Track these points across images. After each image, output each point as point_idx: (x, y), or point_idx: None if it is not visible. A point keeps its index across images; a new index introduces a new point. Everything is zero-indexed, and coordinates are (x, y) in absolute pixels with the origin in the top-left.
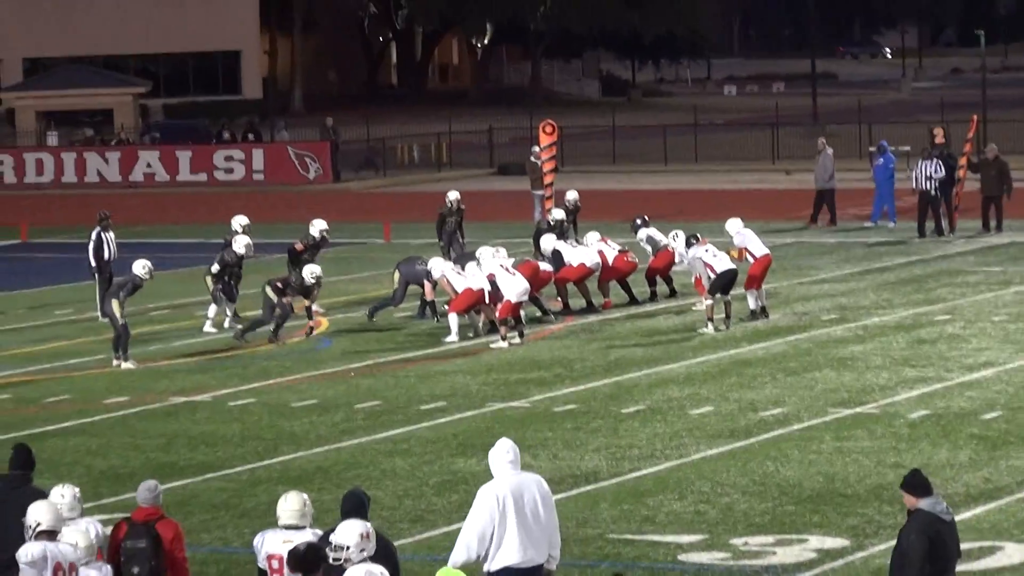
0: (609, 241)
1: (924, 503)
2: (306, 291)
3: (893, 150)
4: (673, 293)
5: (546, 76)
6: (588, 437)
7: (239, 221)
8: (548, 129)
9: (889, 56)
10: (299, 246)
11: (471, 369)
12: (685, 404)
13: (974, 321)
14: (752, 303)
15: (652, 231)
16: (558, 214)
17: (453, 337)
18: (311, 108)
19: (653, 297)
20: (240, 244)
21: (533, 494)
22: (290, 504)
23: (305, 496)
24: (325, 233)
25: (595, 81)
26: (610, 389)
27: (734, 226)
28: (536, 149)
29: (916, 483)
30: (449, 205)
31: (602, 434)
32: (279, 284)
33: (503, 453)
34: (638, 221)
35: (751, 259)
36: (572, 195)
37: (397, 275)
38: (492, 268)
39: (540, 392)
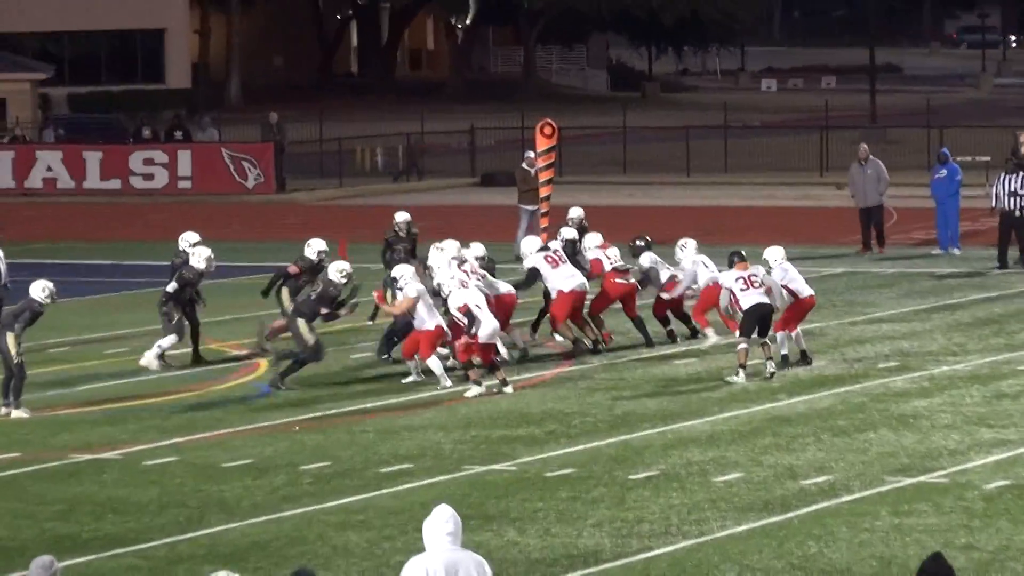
0: (611, 251)
1: None
2: (333, 299)
3: (967, 160)
4: (694, 334)
5: (542, 65)
6: (588, 509)
7: (188, 239)
8: (547, 130)
9: (1014, 45)
10: (293, 268)
11: (444, 424)
12: (708, 469)
13: None
14: (783, 347)
15: (655, 257)
16: (569, 233)
17: (413, 376)
18: (252, 101)
19: (671, 337)
20: (200, 258)
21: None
22: None
23: None
24: (324, 255)
25: (603, 72)
26: (616, 450)
27: (775, 256)
28: (531, 155)
29: (940, 572)
30: (396, 229)
31: (605, 505)
32: (320, 310)
33: (441, 523)
34: (639, 243)
35: (789, 299)
36: (577, 212)
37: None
38: (452, 283)
39: (529, 453)
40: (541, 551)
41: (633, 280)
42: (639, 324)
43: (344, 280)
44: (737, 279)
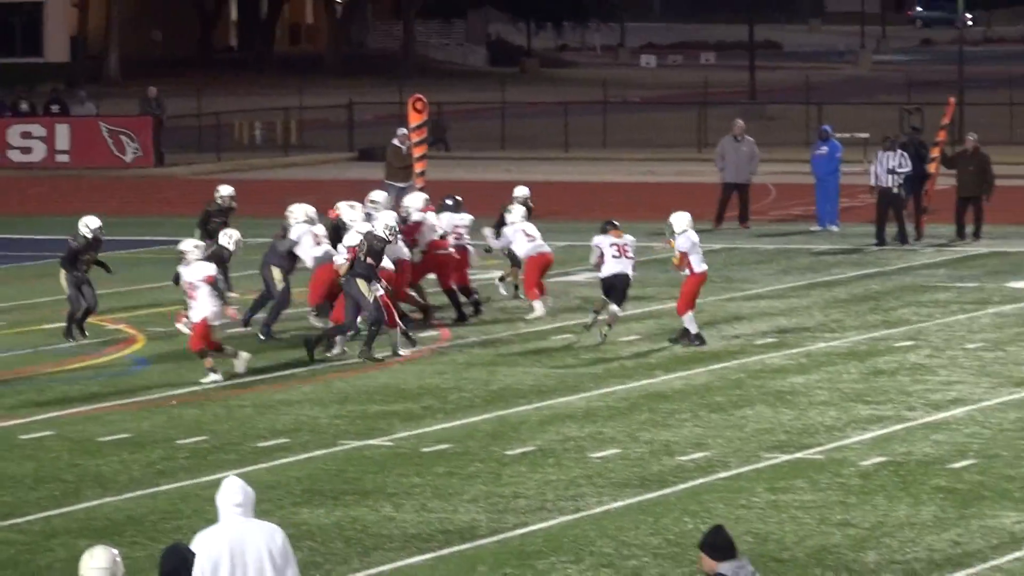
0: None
1: (725, 568)
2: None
3: (846, 137)
4: (477, 309)
5: (421, 40)
6: (464, 484)
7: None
8: (419, 105)
9: (970, 23)
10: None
11: (321, 398)
12: (584, 445)
13: (943, 349)
14: (692, 327)
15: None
16: (519, 211)
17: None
18: (130, 75)
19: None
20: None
21: (259, 551)
22: (96, 562)
23: (115, 552)
24: (100, 232)
25: (482, 48)
26: (492, 426)
27: (682, 223)
28: (403, 131)
29: (717, 543)
30: (219, 202)
31: (481, 481)
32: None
33: (229, 495)
34: (448, 202)
35: (687, 271)
36: (522, 191)
37: (276, 272)
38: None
39: (406, 428)
40: (417, 526)
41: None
42: (452, 296)
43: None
44: (611, 244)
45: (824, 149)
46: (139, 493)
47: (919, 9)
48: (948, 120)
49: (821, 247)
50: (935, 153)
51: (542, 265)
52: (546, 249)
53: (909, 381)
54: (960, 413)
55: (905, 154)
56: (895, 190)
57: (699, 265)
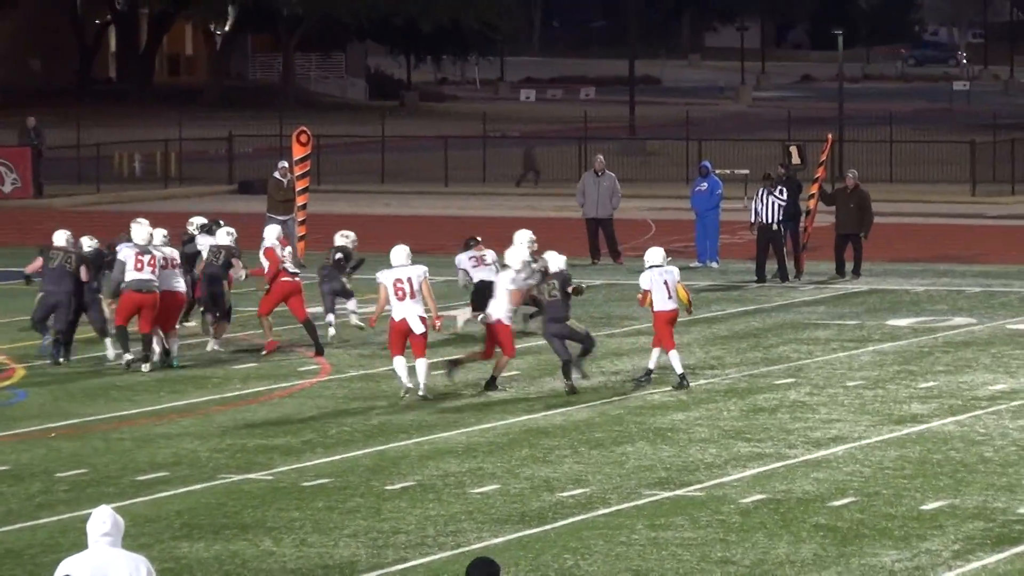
0: (287, 250)
1: None
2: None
3: (726, 173)
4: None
5: (301, 73)
6: (344, 519)
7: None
8: (303, 138)
9: (965, 61)
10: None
11: (200, 432)
12: (465, 481)
13: (823, 387)
14: (677, 365)
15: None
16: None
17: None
18: (8, 105)
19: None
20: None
21: None
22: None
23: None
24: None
25: (361, 81)
26: (372, 460)
27: (657, 257)
28: (284, 164)
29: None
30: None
31: (361, 515)
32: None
33: (97, 523)
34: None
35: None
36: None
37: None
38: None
39: (285, 463)
40: (297, 561)
41: (298, 279)
42: (309, 327)
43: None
44: (470, 258)
45: (704, 185)
46: (18, 526)
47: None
48: (826, 156)
49: (701, 283)
50: (813, 190)
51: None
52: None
53: (789, 419)
54: (840, 451)
55: (784, 189)
56: (775, 227)
57: (661, 303)
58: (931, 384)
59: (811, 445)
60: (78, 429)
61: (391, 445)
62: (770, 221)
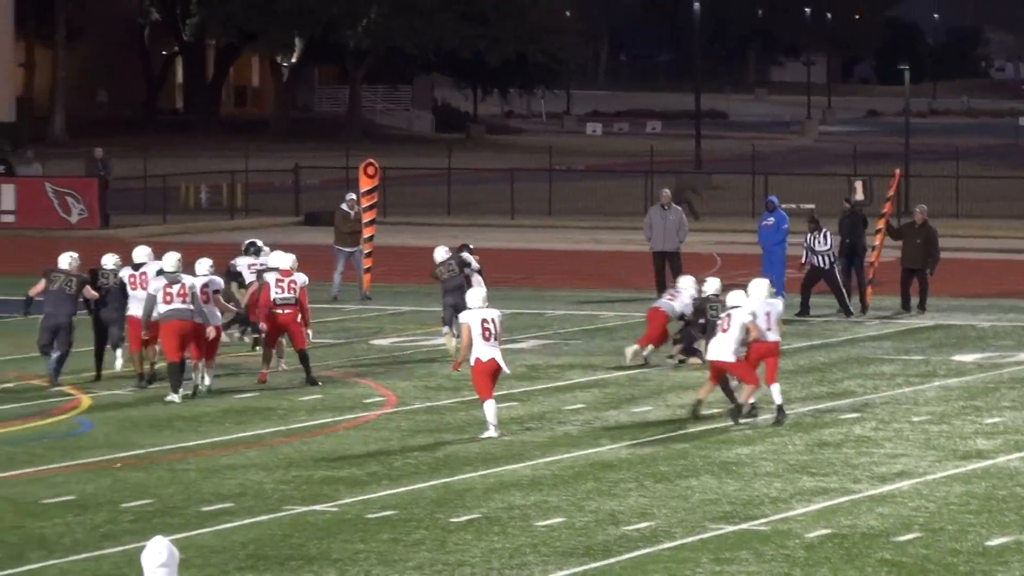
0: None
1: None
2: None
3: (792, 208)
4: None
5: (367, 105)
6: (409, 551)
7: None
8: (370, 170)
9: None
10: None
11: (266, 463)
12: (530, 514)
13: (888, 422)
14: (777, 397)
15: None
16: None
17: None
18: (76, 135)
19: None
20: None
21: None
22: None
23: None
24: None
25: (428, 113)
26: (437, 492)
27: (762, 290)
28: (351, 196)
29: None
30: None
31: (426, 548)
32: None
33: (154, 555)
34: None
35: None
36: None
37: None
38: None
39: (351, 494)
40: None
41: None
42: (303, 359)
43: None
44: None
45: (771, 220)
46: (83, 556)
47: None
48: (893, 192)
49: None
50: (880, 225)
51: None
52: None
53: (854, 453)
54: (905, 486)
55: (826, 231)
56: (826, 268)
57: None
58: (997, 420)
59: (876, 480)
60: (144, 459)
61: (456, 477)
62: (820, 264)
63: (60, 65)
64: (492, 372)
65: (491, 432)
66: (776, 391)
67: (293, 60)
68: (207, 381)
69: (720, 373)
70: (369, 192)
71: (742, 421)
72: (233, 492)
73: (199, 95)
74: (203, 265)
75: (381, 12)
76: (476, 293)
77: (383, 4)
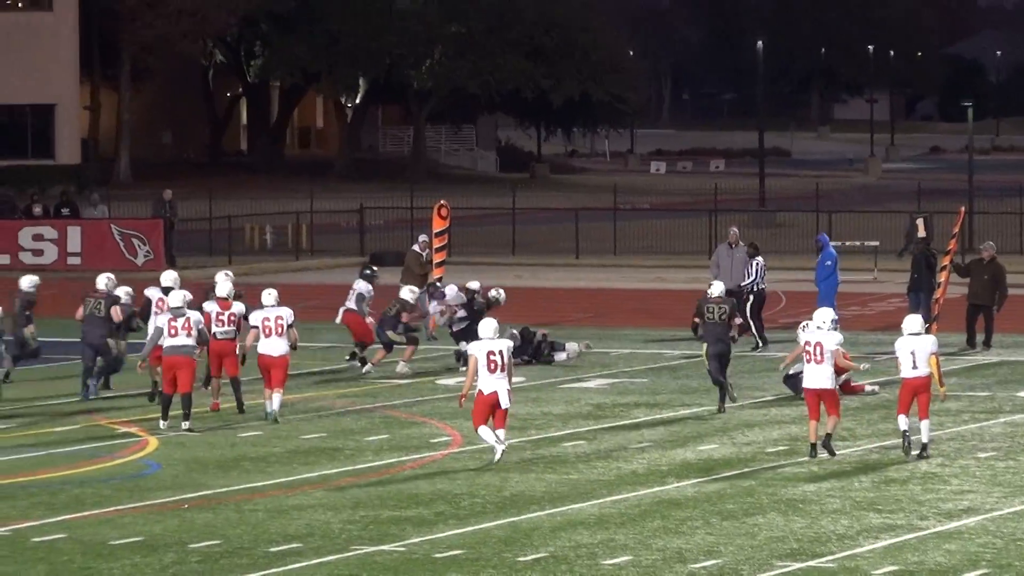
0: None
1: None
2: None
3: (856, 245)
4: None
5: (431, 145)
6: None
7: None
8: (443, 212)
9: None
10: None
11: (333, 503)
12: (597, 552)
13: (955, 458)
14: (925, 435)
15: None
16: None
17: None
18: (141, 177)
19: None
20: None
21: None
22: None
23: None
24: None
25: (492, 153)
26: (505, 532)
27: (913, 326)
28: (424, 238)
29: None
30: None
31: None
32: None
33: None
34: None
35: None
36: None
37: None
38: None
39: (419, 534)
40: None
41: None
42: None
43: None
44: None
45: (820, 257)
46: None
47: None
48: (958, 229)
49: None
50: (945, 262)
51: None
52: None
53: (921, 490)
54: (972, 523)
55: (757, 260)
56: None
57: (907, 371)
58: None
59: (943, 516)
60: (211, 500)
61: (523, 516)
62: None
63: (125, 107)
64: (492, 404)
65: (498, 449)
66: (925, 428)
67: (357, 101)
68: (275, 407)
69: (819, 402)
70: (441, 233)
71: (822, 454)
72: (301, 532)
73: (263, 136)
74: (269, 297)
75: (445, 53)
76: (488, 324)
77: (447, 45)
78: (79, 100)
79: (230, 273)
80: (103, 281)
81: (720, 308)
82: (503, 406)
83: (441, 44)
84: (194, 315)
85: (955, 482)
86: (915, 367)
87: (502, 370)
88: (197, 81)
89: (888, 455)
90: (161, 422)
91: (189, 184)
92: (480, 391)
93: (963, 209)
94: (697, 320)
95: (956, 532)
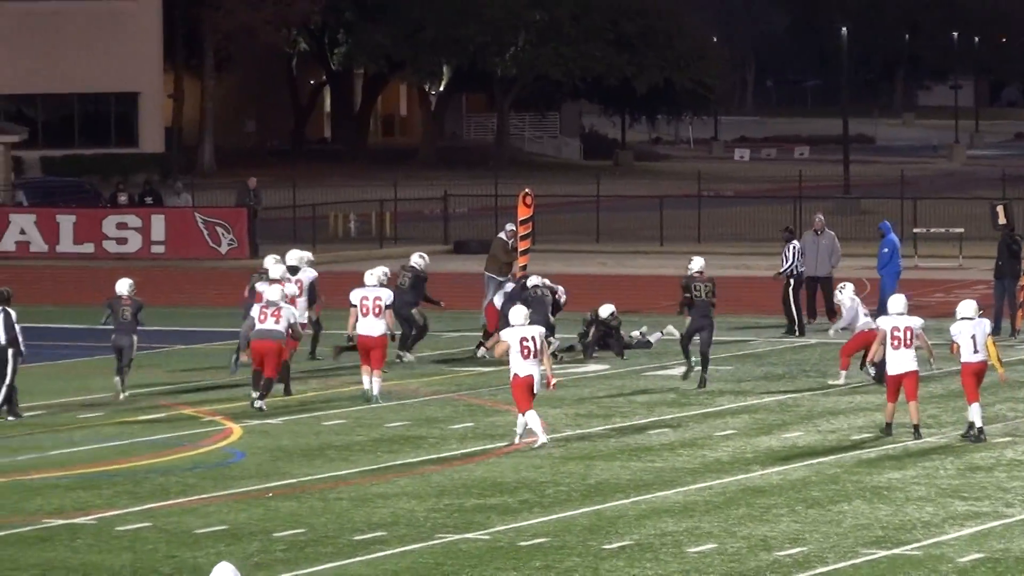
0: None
1: None
2: None
3: (941, 232)
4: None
5: (515, 133)
6: None
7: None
8: (528, 200)
9: None
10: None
11: (418, 492)
12: (682, 540)
13: None
14: (977, 419)
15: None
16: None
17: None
18: (224, 165)
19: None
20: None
21: None
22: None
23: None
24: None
25: (576, 140)
26: (589, 520)
27: (968, 310)
28: (511, 227)
29: None
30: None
31: (579, 575)
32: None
33: None
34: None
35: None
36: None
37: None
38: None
39: (503, 522)
40: None
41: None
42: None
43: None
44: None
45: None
46: None
47: None
48: None
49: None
50: None
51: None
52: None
53: (1006, 477)
54: None
55: (794, 243)
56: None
57: (967, 355)
58: None
59: None
60: (295, 489)
61: (608, 504)
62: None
63: (208, 96)
64: (529, 387)
65: (541, 439)
66: (975, 411)
67: (440, 89)
68: (376, 390)
69: (899, 387)
70: (525, 221)
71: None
72: (385, 521)
73: (347, 124)
74: (371, 277)
75: (528, 40)
76: (519, 311)
77: (530, 32)
78: (163, 89)
79: (278, 257)
80: (124, 287)
81: (706, 286)
82: (538, 390)
83: (524, 31)
84: (287, 308)
85: None
86: (976, 351)
87: (535, 356)
88: (280, 69)
89: (974, 443)
90: (253, 392)
91: (273, 172)
92: (516, 375)
93: None
94: (686, 295)
95: None
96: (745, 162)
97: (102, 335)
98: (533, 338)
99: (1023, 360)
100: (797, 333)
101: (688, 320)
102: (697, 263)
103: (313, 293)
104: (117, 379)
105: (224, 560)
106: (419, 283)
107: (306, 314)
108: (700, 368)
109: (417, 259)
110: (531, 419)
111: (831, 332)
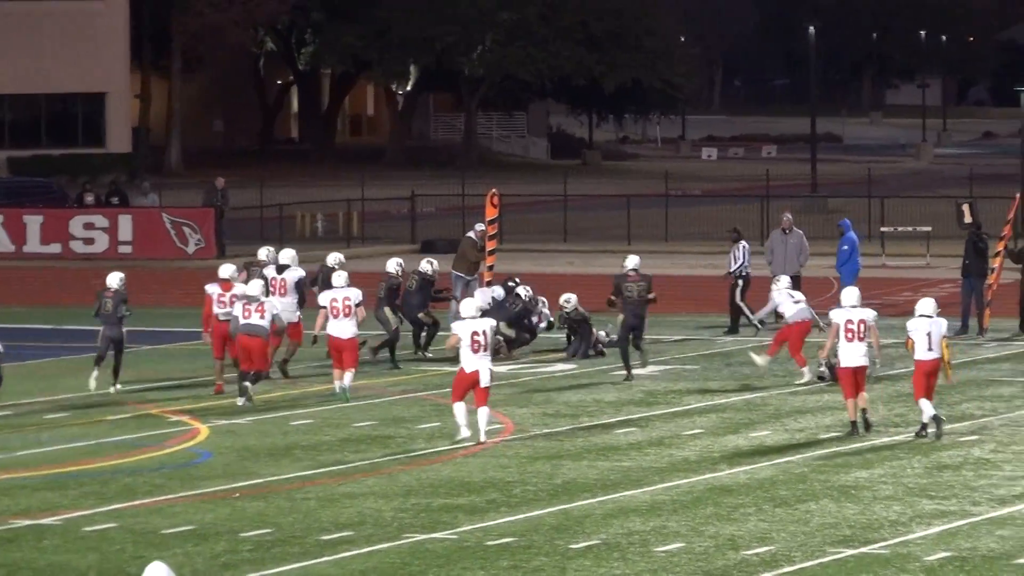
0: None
1: None
2: None
3: (908, 231)
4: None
5: (482, 132)
6: None
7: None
8: (495, 200)
9: None
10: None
11: (385, 491)
12: (649, 539)
13: (1007, 444)
14: (928, 413)
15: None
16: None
17: None
18: (192, 165)
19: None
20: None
21: None
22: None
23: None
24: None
25: (543, 140)
26: (557, 519)
27: (926, 308)
28: (480, 227)
29: None
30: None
31: (546, 574)
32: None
33: None
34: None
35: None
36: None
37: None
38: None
39: (470, 521)
40: None
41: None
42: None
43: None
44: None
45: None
46: None
47: None
48: (1013, 215)
49: (884, 341)
50: (1000, 247)
51: (805, 331)
52: (808, 315)
53: (973, 476)
54: None
55: (743, 244)
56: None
57: (921, 353)
58: None
59: (996, 502)
60: (262, 489)
61: (575, 504)
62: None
63: (176, 96)
64: (472, 383)
65: (463, 433)
66: (926, 407)
67: (408, 88)
68: (347, 383)
69: (853, 380)
70: (492, 221)
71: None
72: (352, 520)
73: (314, 124)
74: (339, 278)
75: (496, 40)
76: (469, 304)
77: (498, 32)
78: (130, 89)
79: (271, 249)
80: (115, 280)
81: (639, 285)
82: (483, 384)
83: (492, 31)
84: (269, 302)
85: (1008, 468)
86: (930, 349)
87: (485, 350)
88: (248, 69)
89: (941, 441)
90: (239, 400)
91: (240, 172)
92: (462, 369)
93: (1018, 195)
94: (613, 298)
95: (1009, 518)
96: (713, 161)
97: (69, 336)
98: (484, 332)
99: (990, 359)
100: (760, 328)
101: (619, 318)
102: (631, 261)
103: (302, 292)
104: (96, 372)
105: (156, 562)
106: (426, 286)
107: (296, 314)
108: (639, 362)
109: (425, 265)
110: (456, 410)
111: (755, 320)
